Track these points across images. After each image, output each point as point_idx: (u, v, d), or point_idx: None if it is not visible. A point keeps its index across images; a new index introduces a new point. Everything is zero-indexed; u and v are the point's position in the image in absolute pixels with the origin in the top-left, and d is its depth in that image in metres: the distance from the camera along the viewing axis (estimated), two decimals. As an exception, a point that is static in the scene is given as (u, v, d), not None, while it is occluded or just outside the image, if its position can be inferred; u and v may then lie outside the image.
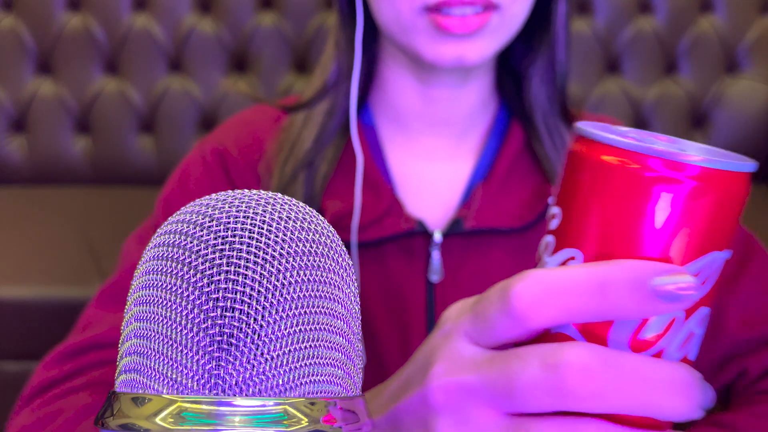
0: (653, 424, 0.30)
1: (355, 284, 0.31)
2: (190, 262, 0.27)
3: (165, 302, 0.27)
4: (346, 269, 0.30)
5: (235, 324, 0.26)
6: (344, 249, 0.30)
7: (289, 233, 0.28)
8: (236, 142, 0.68)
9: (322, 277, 0.28)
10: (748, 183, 0.30)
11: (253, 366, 0.26)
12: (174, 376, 0.26)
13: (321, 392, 0.28)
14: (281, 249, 0.27)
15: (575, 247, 0.31)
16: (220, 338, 0.26)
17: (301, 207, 0.30)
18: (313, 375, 0.27)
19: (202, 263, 0.27)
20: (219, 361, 0.26)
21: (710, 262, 0.30)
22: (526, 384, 0.29)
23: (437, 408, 0.32)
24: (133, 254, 0.65)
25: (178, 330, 0.27)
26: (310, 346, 0.27)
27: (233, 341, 0.26)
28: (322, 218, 0.30)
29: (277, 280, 0.27)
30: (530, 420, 0.30)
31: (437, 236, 0.63)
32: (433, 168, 0.67)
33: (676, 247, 0.29)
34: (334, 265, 0.29)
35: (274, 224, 0.28)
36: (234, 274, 0.27)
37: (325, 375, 0.28)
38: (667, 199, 0.29)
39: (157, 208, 0.68)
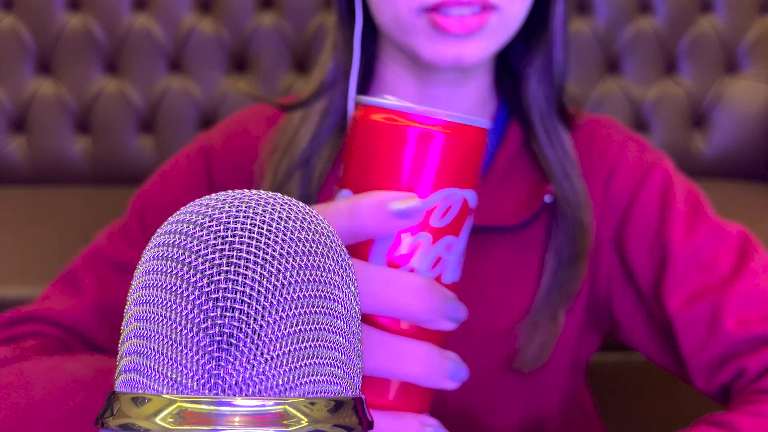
0: (421, 335, 0.38)
1: (355, 284, 0.31)
2: (190, 262, 0.27)
3: (165, 302, 0.27)
4: (345, 269, 0.30)
5: (235, 324, 0.26)
6: (344, 249, 0.30)
7: (288, 233, 0.28)
8: (224, 141, 0.69)
9: (322, 277, 0.28)
10: (481, 136, 0.40)
11: (253, 366, 0.26)
12: (174, 376, 0.26)
13: (321, 392, 0.28)
14: (281, 249, 0.27)
15: (348, 188, 0.40)
16: (220, 338, 0.26)
17: (301, 207, 0.30)
18: (313, 375, 0.27)
19: (202, 263, 0.27)
20: (219, 361, 0.26)
21: (450, 196, 0.39)
22: None
23: None
24: (96, 242, 0.67)
25: (178, 330, 0.27)
26: (310, 346, 0.27)
27: (233, 341, 0.26)
28: (321, 218, 0.30)
29: (277, 280, 0.27)
30: None
31: None
32: None
33: (417, 181, 0.38)
34: (333, 265, 0.29)
35: (274, 224, 0.28)
36: (234, 274, 0.27)
37: (325, 375, 0.28)
38: (410, 142, 0.38)
39: (131, 202, 0.68)
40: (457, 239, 0.40)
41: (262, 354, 0.26)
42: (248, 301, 0.26)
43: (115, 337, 0.54)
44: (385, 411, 0.39)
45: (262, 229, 0.28)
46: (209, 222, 0.28)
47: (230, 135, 0.69)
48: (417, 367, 0.37)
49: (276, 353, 0.27)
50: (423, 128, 0.38)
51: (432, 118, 0.38)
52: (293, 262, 0.28)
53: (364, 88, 0.68)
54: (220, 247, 0.27)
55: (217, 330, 0.26)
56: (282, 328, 0.27)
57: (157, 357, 0.27)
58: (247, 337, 0.26)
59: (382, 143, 0.39)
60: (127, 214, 0.68)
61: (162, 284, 0.27)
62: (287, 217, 0.29)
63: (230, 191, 0.30)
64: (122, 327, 0.29)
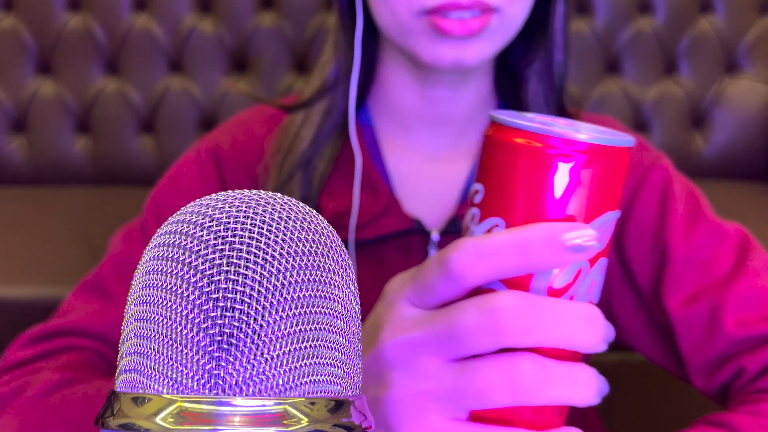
0: (568, 356, 0.37)
1: (355, 284, 0.31)
2: (190, 262, 0.27)
3: (165, 302, 0.27)
4: (345, 269, 0.30)
5: (235, 324, 0.26)
6: (344, 249, 0.31)
7: (289, 233, 0.28)
8: (231, 142, 0.69)
9: (322, 277, 0.28)
10: (628, 155, 0.38)
11: (253, 366, 0.26)
12: (174, 376, 0.27)
13: (321, 392, 0.28)
14: (281, 249, 0.28)
15: (497, 216, 0.37)
16: (220, 338, 0.26)
17: (301, 207, 0.30)
18: (313, 375, 0.27)
19: (202, 263, 0.27)
20: (219, 361, 0.26)
21: (606, 221, 0.37)
22: (466, 328, 0.35)
23: (390, 363, 0.38)
24: (116, 248, 0.66)
25: (178, 330, 0.27)
26: (310, 345, 0.27)
27: (233, 341, 0.26)
28: (321, 218, 0.30)
29: (277, 280, 0.27)
30: (473, 360, 0.36)
31: (435, 235, 0.63)
32: (431, 167, 0.67)
33: (578, 209, 0.36)
34: (333, 265, 0.29)
35: (274, 224, 0.28)
36: (234, 274, 0.27)
37: (325, 375, 0.28)
38: (565, 170, 0.36)
39: (146, 205, 0.68)
40: (607, 260, 0.39)
41: (262, 354, 0.26)
42: (248, 301, 0.26)
43: None
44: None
45: (263, 229, 0.28)
46: (209, 222, 0.28)
47: (237, 136, 0.69)
48: (587, 391, 0.36)
49: (276, 353, 0.27)
50: (576, 156, 0.36)
51: (583, 143, 0.36)
52: (293, 262, 0.28)
53: (365, 89, 0.68)
54: (220, 247, 0.27)
55: (217, 330, 0.26)
56: (282, 328, 0.27)
57: (157, 357, 0.27)
58: (247, 337, 0.26)
59: (532, 171, 0.36)
60: (144, 215, 0.68)
61: (162, 284, 0.27)
62: (287, 217, 0.29)
63: (230, 191, 0.30)
64: (122, 327, 0.29)
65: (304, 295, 0.27)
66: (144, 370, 0.27)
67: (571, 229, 0.35)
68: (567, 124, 0.38)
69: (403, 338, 0.37)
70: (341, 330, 0.29)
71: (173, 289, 0.27)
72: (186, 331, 0.26)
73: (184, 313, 0.27)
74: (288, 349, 0.27)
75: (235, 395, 0.26)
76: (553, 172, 0.36)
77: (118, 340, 0.61)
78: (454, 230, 0.63)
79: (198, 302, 0.27)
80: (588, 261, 0.37)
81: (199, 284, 0.27)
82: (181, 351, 0.26)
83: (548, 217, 0.36)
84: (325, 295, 0.28)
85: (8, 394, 0.56)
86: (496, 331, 0.35)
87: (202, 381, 0.26)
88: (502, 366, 0.35)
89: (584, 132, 0.36)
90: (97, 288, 0.64)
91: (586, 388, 0.36)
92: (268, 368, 0.26)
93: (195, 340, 0.26)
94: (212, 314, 0.26)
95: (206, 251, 0.27)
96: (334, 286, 0.29)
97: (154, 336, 0.27)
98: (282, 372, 0.27)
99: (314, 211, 0.30)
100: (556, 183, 0.36)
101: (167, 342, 0.27)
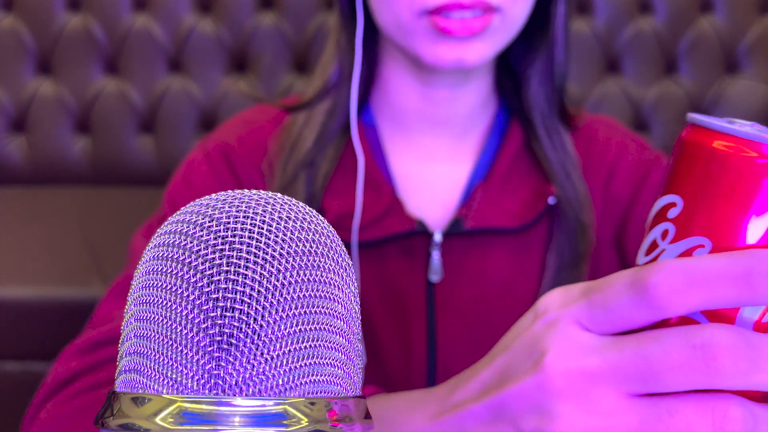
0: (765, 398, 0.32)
1: (355, 284, 0.31)
2: (190, 262, 0.27)
3: (165, 302, 0.27)
4: (345, 269, 0.30)
5: (235, 324, 0.26)
6: (344, 249, 0.30)
7: (289, 233, 0.28)
8: (239, 141, 0.68)
9: (322, 277, 0.28)
10: None
11: (253, 366, 0.26)
12: (174, 376, 0.26)
13: (321, 392, 0.28)
14: (281, 249, 0.27)
15: (703, 235, 0.32)
16: (220, 338, 0.26)
17: (301, 207, 0.30)
18: (313, 375, 0.27)
19: (202, 263, 0.27)
20: (219, 361, 0.26)
21: None
22: (671, 364, 0.30)
23: (558, 393, 0.33)
24: (139, 247, 0.65)
25: (178, 330, 0.27)
26: (310, 346, 0.27)
27: (233, 341, 0.26)
28: (322, 218, 0.30)
29: (277, 280, 0.27)
30: (667, 399, 0.31)
31: (437, 236, 0.63)
32: (433, 168, 0.67)
33: None
34: (333, 265, 0.29)
35: (274, 224, 0.28)
36: (234, 274, 0.27)
37: (325, 375, 0.28)
38: None
39: (163, 204, 0.68)
40: None
41: (262, 354, 0.26)
42: (248, 301, 0.26)
43: None
44: None
45: (262, 229, 0.28)
46: (209, 222, 0.28)
47: (242, 134, 0.69)
48: None
49: (276, 353, 0.27)
50: None
51: None
52: (293, 262, 0.27)
53: (366, 89, 0.68)
54: (220, 247, 0.27)
55: (217, 330, 0.26)
56: (282, 328, 0.27)
57: (157, 357, 0.27)
58: (247, 337, 0.26)
59: (749, 184, 0.31)
60: (163, 211, 0.67)
61: (162, 284, 0.27)
62: (287, 217, 0.29)
63: (230, 191, 0.30)
64: (122, 327, 0.29)
65: (304, 295, 0.27)
66: (144, 370, 0.27)
67: None
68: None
69: (576, 366, 0.33)
70: (341, 330, 0.29)
71: (173, 289, 0.27)
72: (186, 331, 0.26)
73: (183, 313, 0.27)
74: (288, 349, 0.27)
75: (235, 395, 0.26)
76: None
77: None
78: (456, 231, 0.63)
79: (198, 302, 0.26)
80: None
81: (199, 284, 0.27)
82: (181, 351, 0.26)
83: (765, 241, 0.31)
84: (325, 296, 0.28)
85: (74, 413, 0.53)
86: (709, 371, 0.30)
87: (202, 381, 0.26)
88: (709, 409, 0.31)
89: None
90: (128, 291, 0.63)
91: None
92: (268, 368, 0.26)
93: (195, 340, 0.26)
94: (212, 314, 0.26)
95: (206, 251, 0.27)
96: (334, 287, 0.29)
97: (154, 336, 0.27)
98: (282, 372, 0.27)
99: (314, 211, 0.30)
100: None
101: (167, 342, 0.27)
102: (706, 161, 0.32)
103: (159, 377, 0.27)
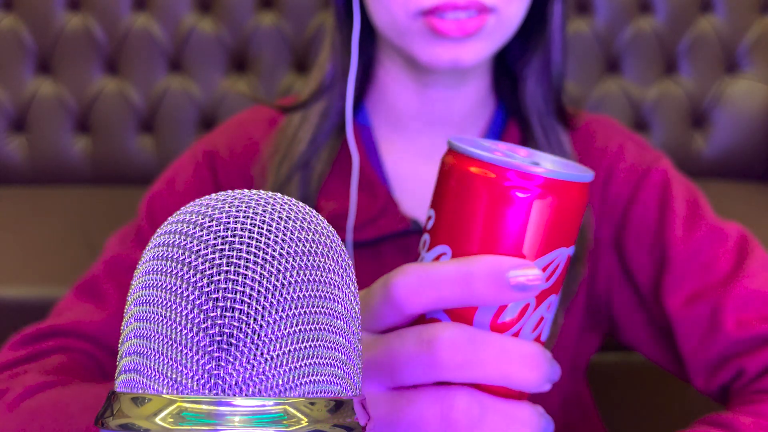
0: (511, 394, 0.35)
1: (355, 284, 0.31)
2: (189, 262, 0.27)
3: (165, 302, 0.27)
4: (345, 269, 0.30)
5: (235, 324, 0.26)
6: (344, 249, 0.31)
7: (288, 233, 0.28)
8: (228, 144, 0.69)
9: (322, 277, 0.28)
10: (586, 190, 0.36)
11: (253, 366, 0.26)
12: (174, 376, 0.27)
13: (321, 392, 0.28)
14: (281, 249, 0.28)
15: (445, 243, 0.36)
16: (220, 338, 0.26)
17: (301, 207, 0.30)
18: (313, 375, 0.27)
19: (202, 263, 0.27)
20: (219, 361, 0.26)
21: (557, 256, 0.35)
22: (404, 359, 0.34)
23: None
24: (110, 250, 0.66)
25: (178, 330, 0.27)
26: (310, 346, 0.27)
27: (233, 341, 0.26)
28: (321, 218, 0.30)
29: (277, 280, 0.27)
30: (409, 391, 0.34)
31: None
32: (428, 168, 0.67)
33: (528, 244, 0.35)
34: (333, 265, 0.29)
35: (274, 224, 0.28)
36: (234, 274, 0.27)
37: (325, 375, 0.28)
38: (519, 204, 0.34)
39: (141, 207, 0.68)
40: (557, 297, 0.37)
41: (262, 354, 0.26)
42: (248, 301, 0.26)
43: None
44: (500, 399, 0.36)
45: (262, 229, 0.28)
46: (209, 222, 0.28)
47: (233, 139, 0.69)
48: (525, 431, 0.35)
49: (276, 353, 0.27)
50: (532, 190, 0.34)
51: (540, 177, 0.34)
52: (293, 262, 0.28)
53: (362, 89, 0.68)
54: (220, 247, 0.27)
55: (217, 330, 0.26)
56: (282, 328, 0.27)
57: (157, 357, 0.27)
58: (247, 337, 0.26)
59: (484, 201, 0.35)
60: (139, 217, 0.68)
61: (162, 284, 0.27)
62: (287, 217, 0.29)
63: (230, 191, 0.30)
64: (122, 327, 0.29)
65: (303, 295, 0.27)
66: (144, 370, 0.27)
67: (517, 267, 0.33)
68: (526, 155, 0.37)
69: None
70: (341, 330, 0.29)
71: (173, 289, 0.27)
72: (186, 331, 0.26)
73: (183, 313, 0.27)
74: (288, 349, 0.27)
75: (235, 395, 0.26)
76: (505, 205, 0.34)
77: (109, 341, 0.61)
78: None
79: (198, 302, 0.27)
80: (535, 297, 0.35)
81: (199, 284, 0.27)
82: (181, 351, 0.26)
83: (497, 250, 0.35)
84: (325, 295, 0.28)
85: None
86: (433, 364, 0.33)
87: (202, 381, 0.26)
88: (436, 399, 0.34)
89: (542, 165, 0.35)
90: (90, 289, 0.64)
91: (524, 428, 0.34)
92: (267, 368, 0.26)
93: (195, 340, 0.26)
94: (212, 314, 0.26)
95: (206, 251, 0.27)
96: (334, 286, 0.29)
97: (154, 336, 0.27)
98: (282, 372, 0.27)
99: (314, 211, 0.31)
100: (507, 215, 0.34)
101: (167, 342, 0.27)
102: (447, 178, 0.36)
103: (159, 377, 0.27)
